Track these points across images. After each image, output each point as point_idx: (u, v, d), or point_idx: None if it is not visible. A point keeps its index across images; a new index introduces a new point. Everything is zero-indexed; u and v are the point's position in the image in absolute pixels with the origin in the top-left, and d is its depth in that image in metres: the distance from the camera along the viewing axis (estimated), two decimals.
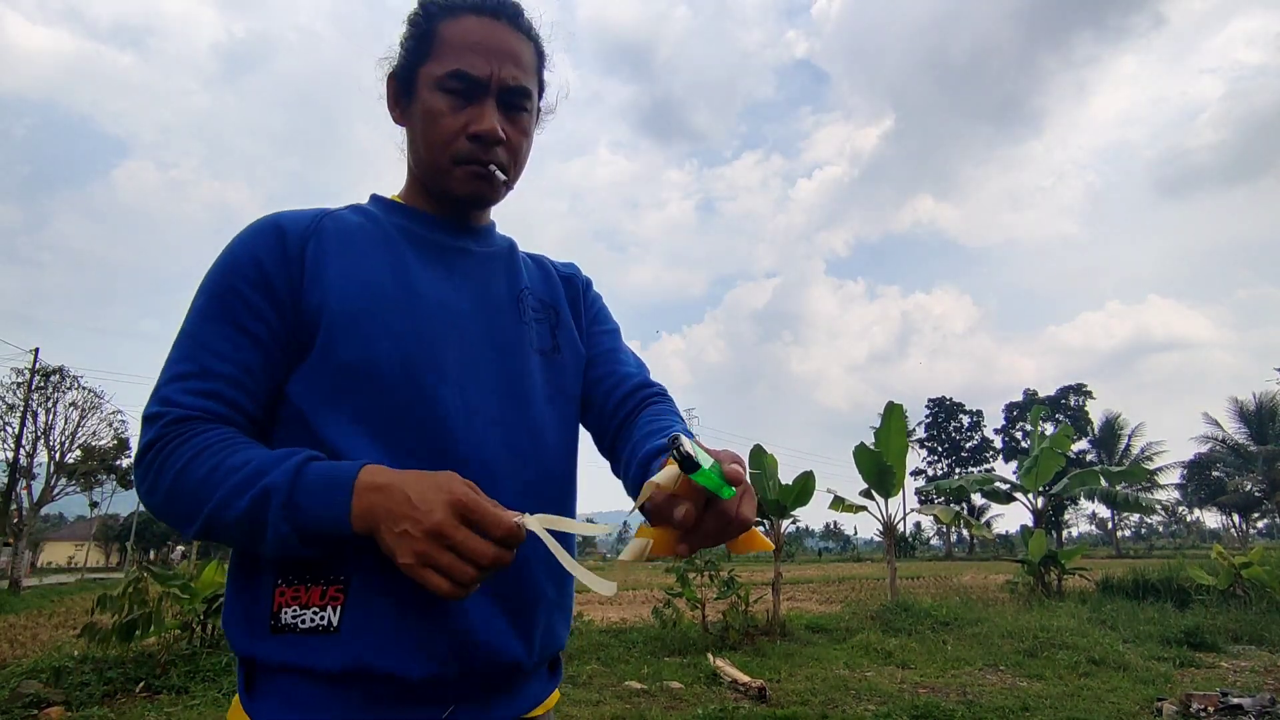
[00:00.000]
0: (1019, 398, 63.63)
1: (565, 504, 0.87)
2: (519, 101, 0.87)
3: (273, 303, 0.77)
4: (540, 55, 0.92)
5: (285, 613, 0.70)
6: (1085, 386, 60.56)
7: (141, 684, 5.34)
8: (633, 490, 0.80)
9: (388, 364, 0.76)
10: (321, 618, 0.70)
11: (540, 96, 0.94)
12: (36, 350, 20.02)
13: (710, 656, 6.28)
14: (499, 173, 0.85)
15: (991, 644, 7.25)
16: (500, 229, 1.01)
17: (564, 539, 0.72)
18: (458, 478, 0.64)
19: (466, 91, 0.84)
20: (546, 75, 0.95)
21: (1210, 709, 4.55)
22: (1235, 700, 4.61)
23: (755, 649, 7.03)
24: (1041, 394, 61.52)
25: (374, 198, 0.94)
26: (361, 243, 0.84)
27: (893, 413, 10.10)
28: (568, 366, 0.93)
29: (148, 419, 0.72)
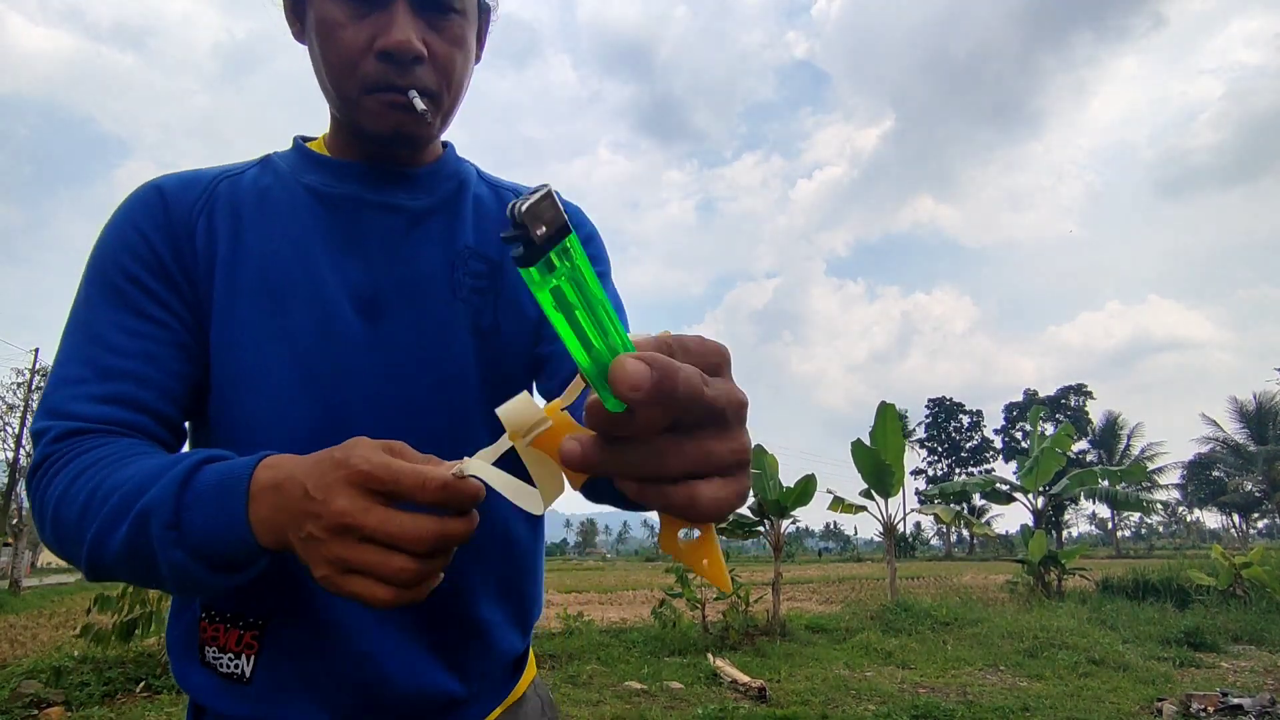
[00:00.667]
0: (1019, 398, 63.79)
1: (519, 521, 0.74)
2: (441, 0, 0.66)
3: (168, 283, 0.64)
4: None
5: (208, 651, 0.63)
6: (1085, 386, 60.71)
7: (141, 684, 5.34)
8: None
9: (282, 383, 0.64)
10: (236, 665, 0.62)
11: None
12: (36, 350, 20.01)
13: (710, 656, 6.28)
14: (419, 100, 0.64)
15: (991, 644, 7.25)
16: None
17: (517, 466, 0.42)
18: (364, 442, 0.45)
19: None
20: None
21: (1210, 709, 4.55)
22: (1235, 700, 4.61)
23: (755, 649, 7.02)
24: (1041, 394, 61.65)
25: (295, 143, 0.76)
26: (261, 216, 0.68)
27: (885, 413, 10.10)
28: (510, 347, 0.73)
29: (35, 435, 0.59)
